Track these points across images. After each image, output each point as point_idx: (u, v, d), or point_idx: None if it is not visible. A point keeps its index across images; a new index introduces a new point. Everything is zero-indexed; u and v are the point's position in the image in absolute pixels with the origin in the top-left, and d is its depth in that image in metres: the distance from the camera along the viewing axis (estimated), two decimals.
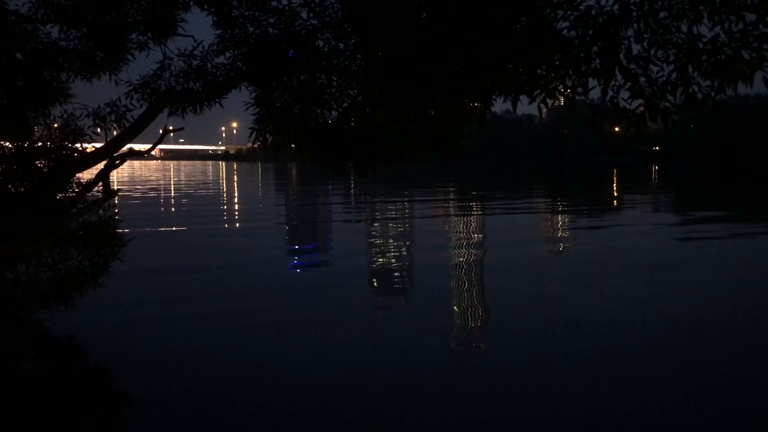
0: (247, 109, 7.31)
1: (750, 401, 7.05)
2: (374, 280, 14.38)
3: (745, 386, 7.50)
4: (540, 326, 9.82)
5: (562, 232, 22.14)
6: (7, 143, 7.77)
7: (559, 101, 5.83)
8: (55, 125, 7.99)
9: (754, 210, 29.88)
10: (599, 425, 6.56)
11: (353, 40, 7.05)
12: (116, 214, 9.01)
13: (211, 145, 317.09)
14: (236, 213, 31.33)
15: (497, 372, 8.04)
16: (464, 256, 16.92)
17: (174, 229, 24.35)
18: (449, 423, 6.61)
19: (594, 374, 7.91)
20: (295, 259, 17.08)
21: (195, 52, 7.72)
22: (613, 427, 6.53)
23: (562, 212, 28.88)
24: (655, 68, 5.13)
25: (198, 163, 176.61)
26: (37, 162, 7.71)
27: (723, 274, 13.79)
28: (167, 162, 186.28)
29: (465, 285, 13.23)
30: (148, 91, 7.87)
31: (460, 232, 21.27)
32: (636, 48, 5.14)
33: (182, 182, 62.10)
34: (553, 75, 5.43)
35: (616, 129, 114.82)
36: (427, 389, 7.41)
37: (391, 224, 23.97)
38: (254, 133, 7.27)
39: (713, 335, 9.40)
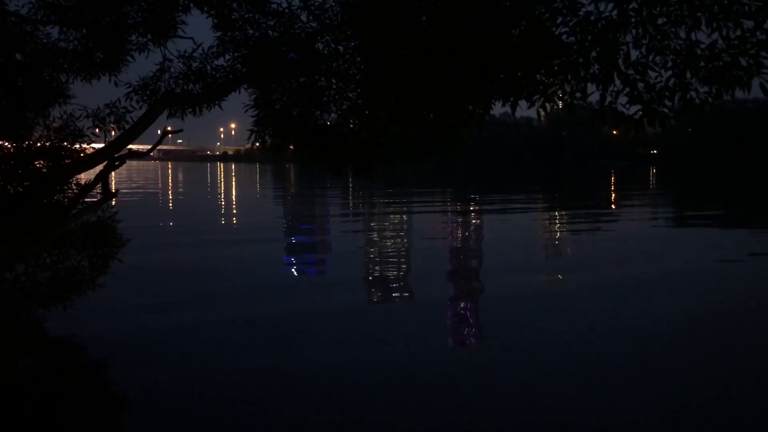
0: (246, 111, 7.33)
1: None
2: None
3: None
4: None
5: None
6: (7, 143, 7.77)
7: (558, 106, 5.85)
8: (55, 126, 7.99)
9: None
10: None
11: (352, 43, 7.06)
12: (115, 214, 9.01)
13: (209, 145, 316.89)
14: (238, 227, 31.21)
15: None
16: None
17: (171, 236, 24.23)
18: None
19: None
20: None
21: (195, 54, 7.73)
22: None
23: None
24: (653, 74, 5.15)
25: (197, 164, 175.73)
26: (36, 162, 7.71)
27: None
28: (166, 162, 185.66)
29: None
30: (148, 92, 7.87)
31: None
32: (634, 53, 5.16)
33: (179, 187, 61.80)
34: (552, 80, 5.44)
35: (614, 132, 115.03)
36: None
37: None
38: (253, 135, 7.29)
39: None
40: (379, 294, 13.16)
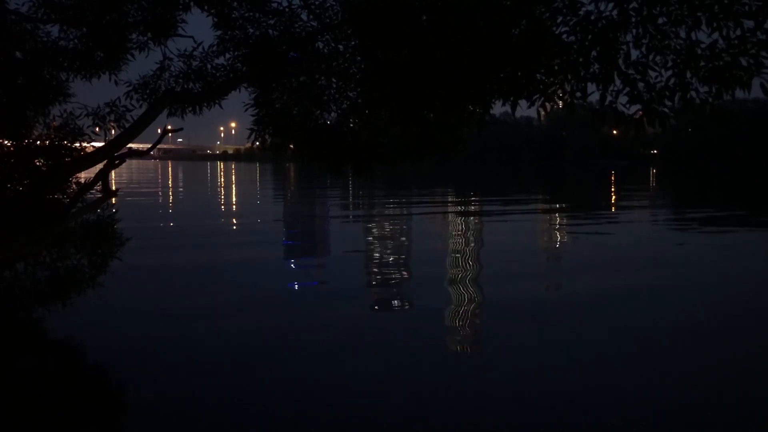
0: (246, 110, 7.33)
1: None
2: None
3: None
4: None
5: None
6: (7, 142, 7.77)
7: (558, 105, 5.84)
8: (55, 124, 8.00)
9: None
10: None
11: (353, 43, 7.07)
12: (115, 213, 9.01)
13: (209, 144, 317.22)
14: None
15: None
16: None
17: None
18: None
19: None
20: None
21: (195, 53, 7.74)
22: None
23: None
24: (653, 73, 5.14)
25: (197, 163, 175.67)
26: (36, 161, 7.72)
27: None
28: (166, 161, 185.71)
29: None
30: (148, 91, 7.88)
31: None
32: (635, 53, 5.15)
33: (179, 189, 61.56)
34: (552, 80, 5.43)
35: (614, 132, 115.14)
36: None
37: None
38: (253, 134, 7.29)
39: None
40: (379, 295, 13.15)
